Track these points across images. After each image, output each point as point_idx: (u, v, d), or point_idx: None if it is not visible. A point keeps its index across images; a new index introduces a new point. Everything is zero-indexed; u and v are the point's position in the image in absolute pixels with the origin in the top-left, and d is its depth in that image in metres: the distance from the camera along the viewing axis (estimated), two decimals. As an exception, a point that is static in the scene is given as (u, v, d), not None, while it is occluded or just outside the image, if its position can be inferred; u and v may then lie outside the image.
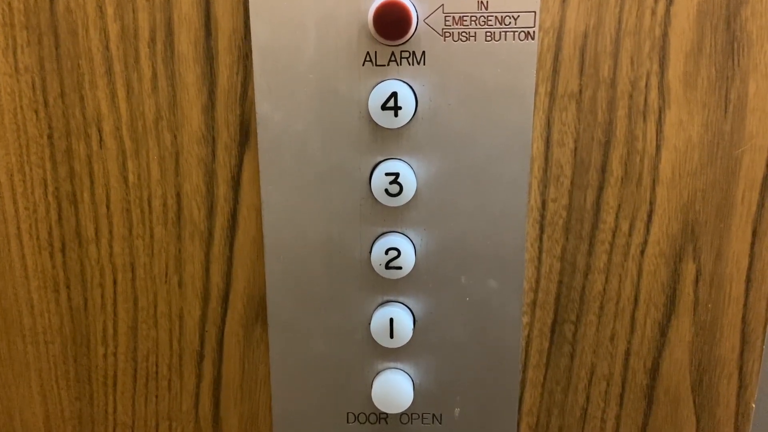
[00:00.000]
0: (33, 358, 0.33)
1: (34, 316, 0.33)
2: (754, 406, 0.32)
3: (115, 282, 0.32)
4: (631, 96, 0.28)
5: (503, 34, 0.27)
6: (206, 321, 0.32)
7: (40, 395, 0.34)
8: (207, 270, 0.32)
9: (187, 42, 0.28)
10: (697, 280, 0.31)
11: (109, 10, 0.28)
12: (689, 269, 0.31)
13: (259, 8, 0.28)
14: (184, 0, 0.28)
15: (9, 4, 0.28)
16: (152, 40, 0.28)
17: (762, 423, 0.33)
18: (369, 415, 0.33)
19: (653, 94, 0.28)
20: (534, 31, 0.27)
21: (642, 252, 0.30)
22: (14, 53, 0.29)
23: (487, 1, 0.27)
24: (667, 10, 0.27)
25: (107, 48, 0.29)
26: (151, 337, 0.33)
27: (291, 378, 0.32)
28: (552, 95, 0.29)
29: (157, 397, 0.34)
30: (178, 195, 0.31)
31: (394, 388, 0.32)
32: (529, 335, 0.32)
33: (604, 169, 0.30)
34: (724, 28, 0.28)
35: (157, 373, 0.33)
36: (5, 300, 0.33)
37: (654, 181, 0.29)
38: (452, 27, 0.27)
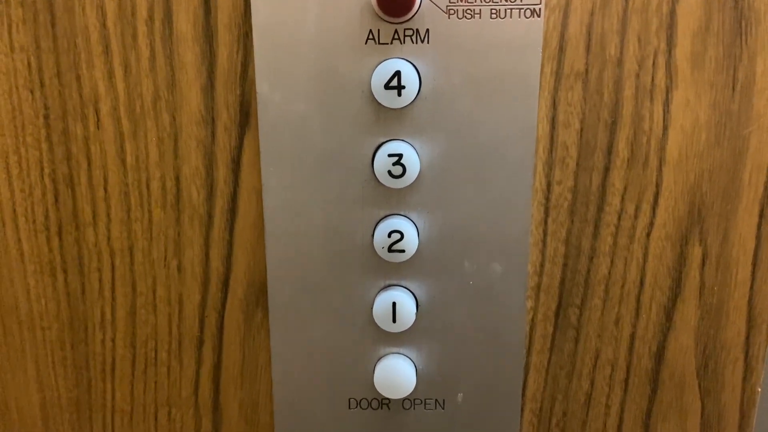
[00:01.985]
0: (29, 344, 0.33)
1: (31, 301, 0.32)
2: (759, 390, 0.32)
3: (113, 266, 0.32)
4: (638, 75, 0.28)
5: (509, 11, 0.27)
6: (206, 306, 0.32)
7: (36, 382, 0.34)
8: (207, 254, 0.31)
9: (185, 20, 0.28)
10: (703, 263, 0.30)
11: (106, -13, 0.28)
12: (695, 252, 0.30)
13: (260, -15, 0.27)
14: (183, -23, 0.27)
15: (3, -19, 0.28)
16: (150, 18, 0.28)
17: (767, 408, 0.33)
18: (371, 400, 0.33)
19: (660, 74, 0.28)
20: (540, 9, 0.27)
21: (648, 235, 0.30)
22: (9, 31, 0.28)
23: (493, -22, 0.27)
24: (675, -12, 0.27)
25: (104, 26, 0.28)
26: (150, 322, 0.32)
27: (292, 364, 0.32)
28: (558, 75, 0.28)
29: (156, 383, 0.33)
30: (177, 177, 0.30)
31: (397, 374, 0.31)
32: (533, 320, 0.32)
33: (610, 151, 0.29)
34: (732, 6, 0.27)
35: (156, 359, 0.33)
36: (1, 285, 0.32)
37: (660, 162, 0.29)
38: (457, 4, 0.27)
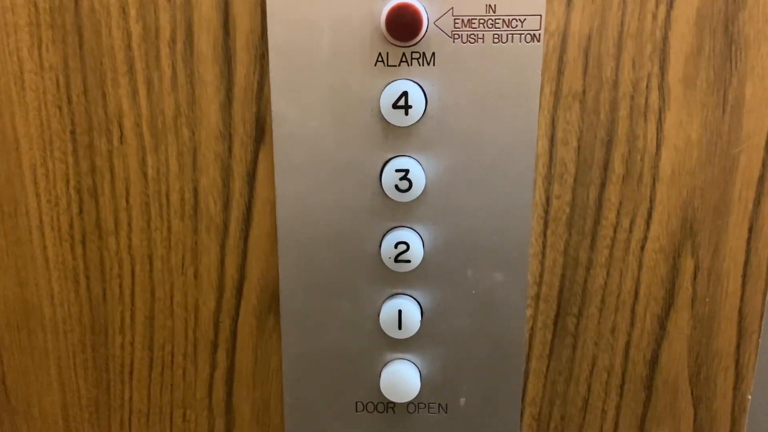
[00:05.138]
0: (52, 347, 0.35)
1: (54, 306, 0.34)
2: (750, 397, 0.34)
3: (133, 273, 0.33)
4: (632, 97, 0.30)
5: (510, 36, 0.29)
6: (221, 312, 0.33)
7: (58, 383, 0.35)
8: (222, 262, 0.33)
9: (206, 42, 0.29)
10: (695, 275, 0.32)
11: (132, 11, 0.29)
12: (688, 264, 0.32)
13: (276, 9, 0.29)
14: (204, 1, 0.29)
15: (35, 4, 0.29)
16: (173, 40, 0.30)
17: (757, 414, 0.34)
18: (377, 404, 0.34)
19: (654, 95, 0.29)
20: (540, 34, 0.28)
21: (642, 247, 0.32)
22: (39, 51, 0.30)
23: (495, 5, 0.28)
24: (668, 15, 0.28)
25: (129, 47, 0.30)
26: (167, 327, 0.34)
27: (302, 367, 0.34)
28: (556, 95, 0.30)
29: (172, 385, 0.35)
30: (195, 189, 0.32)
31: (402, 378, 0.33)
32: (532, 327, 0.33)
33: (606, 167, 0.31)
34: (722, 32, 0.29)
35: (172, 362, 0.34)
36: (26, 290, 0.34)
37: (654, 178, 0.31)
38: (461, 29, 0.28)
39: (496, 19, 0.28)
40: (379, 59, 0.29)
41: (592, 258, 0.32)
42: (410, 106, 0.29)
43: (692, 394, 0.34)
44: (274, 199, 0.31)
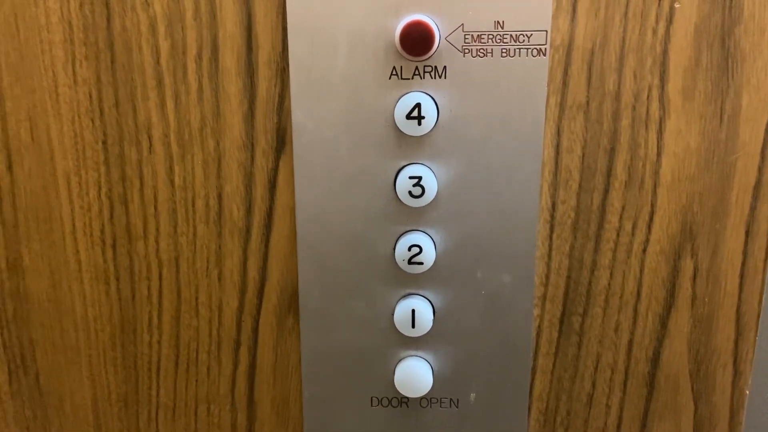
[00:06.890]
0: (84, 345, 0.36)
1: (86, 306, 0.35)
2: (747, 392, 0.34)
3: (160, 275, 0.34)
4: (634, 107, 0.31)
5: (517, 50, 0.30)
6: (243, 311, 0.35)
7: (89, 379, 0.37)
8: (244, 264, 0.34)
9: (230, 57, 0.31)
10: (694, 276, 0.33)
11: (161, 29, 0.31)
12: (687, 266, 0.33)
13: (296, 26, 0.30)
14: (229, 19, 0.31)
15: (70, 22, 0.31)
16: (199, 55, 0.31)
17: (755, 408, 0.36)
18: (391, 399, 0.35)
19: (654, 106, 0.31)
20: (546, 48, 0.30)
21: (644, 250, 0.33)
22: (73, 67, 0.32)
23: (503, 21, 0.29)
24: (667, 29, 0.30)
25: (158, 63, 0.31)
26: (192, 326, 0.35)
27: (320, 364, 0.35)
28: (561, 106, 0.31)
29: (197, 381, 0.36)
30: (219, 196, 0.33)
31: (415, 374, 0.34)
32: (539, 326, 0.34)
33: (609, 174, 0.32)
34: (719, 45, 0.30)
35: (197, 359, 0.36)
36: (60, 291, 0.35)
37: (655, 184, 0.32)
38: (471, 44, 0.30)
39: (504, 34, 0.30)
40: (394, 73, 0.30)
41: (596, 260, 0.33)
42: (423, 117, 0.30)
43: (692, 389, 0.35)
44: (293, 205, 0.33)
